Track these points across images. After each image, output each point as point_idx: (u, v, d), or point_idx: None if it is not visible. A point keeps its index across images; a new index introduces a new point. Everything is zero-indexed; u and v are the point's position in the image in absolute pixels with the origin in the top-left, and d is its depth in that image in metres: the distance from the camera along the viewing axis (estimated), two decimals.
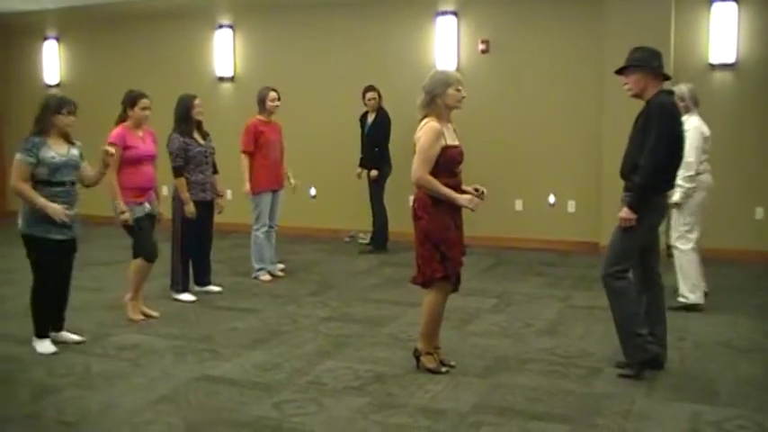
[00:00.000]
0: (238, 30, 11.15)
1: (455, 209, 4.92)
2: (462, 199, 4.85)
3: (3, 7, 11.97)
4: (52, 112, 5.36)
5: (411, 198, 5.03)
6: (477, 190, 4.93)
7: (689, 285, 6.68)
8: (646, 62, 4.86)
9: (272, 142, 7.76)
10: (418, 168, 4.82)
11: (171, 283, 7.09)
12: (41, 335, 5.54)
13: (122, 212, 6.10)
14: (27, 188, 5.25)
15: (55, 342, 5.62)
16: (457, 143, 4.96)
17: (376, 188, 9.31)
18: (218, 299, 7.08)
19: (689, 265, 6.65)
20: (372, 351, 5.50)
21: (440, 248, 4.84)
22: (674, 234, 6.69)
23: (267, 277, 7.86)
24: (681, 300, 6.66)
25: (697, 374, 4.97)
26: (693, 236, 6.65)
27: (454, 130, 5.02)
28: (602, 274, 4.93)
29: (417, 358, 5.09)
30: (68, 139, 5.48)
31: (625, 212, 4.80)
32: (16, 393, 4.72)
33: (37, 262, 5.42)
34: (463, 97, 4.93)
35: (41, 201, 5.23)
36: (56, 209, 5.23)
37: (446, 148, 4.84)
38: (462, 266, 5.04)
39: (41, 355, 5.41)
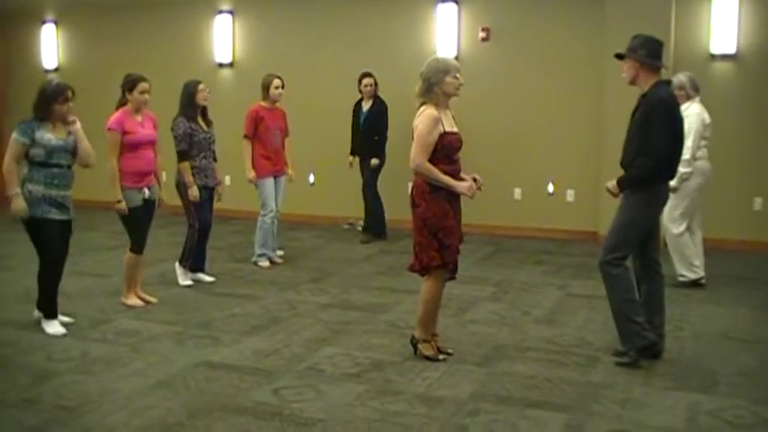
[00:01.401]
0: (238, 15, 11.10)
1: (453, 196, 4.91)
2: (461, 186, 4.85)
3: None
4: (49, 100, 5.42)
5: (410, 185, 5.03)
6: (475, 180, 4.93)
7: (685, 265, 6.89)
8: (633, 50, 4.87)
9: (270, 129, 7.78)
10: (417, 155, 4.81)
11: (181, 258, 7.10)
12: (51, 316, 5.61)
13: (118, 201, 6.10)
14: (12, 171, 5.37)
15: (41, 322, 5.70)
16: (455, 130, 4.95)
17: (372, 177, 9.28)
18: (218, 285, 7.08)
19: (682, 246, 6.87)
20: (371, 338, 5.51)
21: (437, 236, 4.84)
22: (666, 217, 6.75)
23: (266, 263, 7.88)
24: (681, 279, 6.90)
25: (696, 364, 4.98)
26: (686, 219, 6.80)
27: (453, 117, 5.01)
28: (599, 261, 4.95)
29: (414, 346, 5.10)
30: (67, 124, 5.52)
31: (612, 185, 4.91)
32: (15, 378, 4.72)
33: (41, 243, 5.50)
34: (461, 84, 4.92)
35: (15, 190, 5.33)
36: (17, 208, 5.32)
37: (444, 135, 4.82)
38: (460, 254, 5.04)
39: (51, 336, 5.47)
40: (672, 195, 6.65)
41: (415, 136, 4.86)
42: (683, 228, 6.83)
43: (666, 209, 6.75)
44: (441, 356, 5.04)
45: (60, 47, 12.50)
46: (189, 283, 7.05)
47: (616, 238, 4.90)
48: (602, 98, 8.92)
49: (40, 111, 5.42)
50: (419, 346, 5.08)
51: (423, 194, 4.86)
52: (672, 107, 4.85)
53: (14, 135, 5.37)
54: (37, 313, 5.77)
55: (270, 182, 7.79)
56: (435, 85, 4.84)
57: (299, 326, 5.83)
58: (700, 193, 6.89)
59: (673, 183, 6.51)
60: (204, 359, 5.06)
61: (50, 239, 5.47)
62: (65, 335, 5.50)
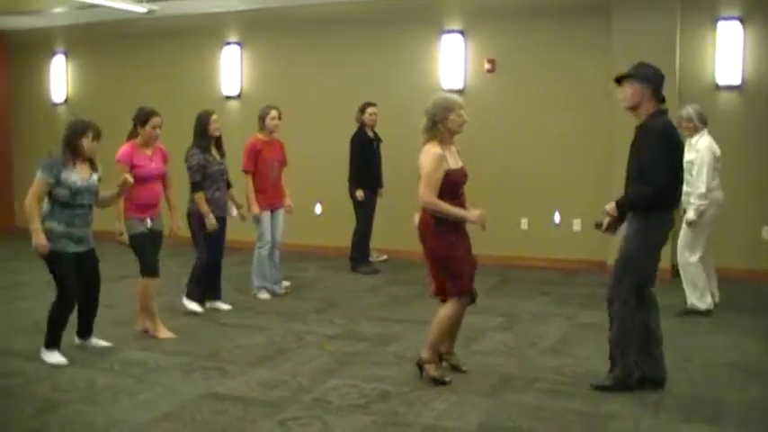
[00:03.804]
0: (245, 47, 11.20)
1: (459, 227, 5.03)
2: (471, 214, 4.99)
3: (11, 24, 12.06)
4: (78, 136, 5.44)
5: (416, 216, 5.10)
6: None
7: (697, 294, 6.91)
8: (648, 79, 4.85)
9: (269, 162, 7.78)
10: (425, 193, 4.94)
11: (186, 292, 7.13)
12: (53, 346, 5.59)
13: (121, 234, 6.15)
14: (34, 207, 5.35)
15: (83, 348, 5.76)
16: (460, 165, 5.08)
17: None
18: (224, 316, 7.08)
19: (696, 275, 6.88)
20: (378, 369, 5.49)
21: (447, 266, 4.97)
22: (680, 245, 6.80)
23: (266, 295, 7.84)
24: (690, 307, 6.91)
25: (703, 395, 4.94)
26: (700, 248, 6.82)
27: (457, 152, 5.14)
28: (608, 296, 4.96)
29: (420, 368, 5.15)
30: (93, 165, 5.58)
31: (611, 207, 4.92)
32: (21, 408, 4.72)
33: (59, 276, 5.51)
34: (465, 122, 5.06)
35: (36, 225, 5.33)
36: (39, 242, 5.32)
37: (449, 172, 4.97)
38: (473, 280, 5.13)
39: (52, 366, 5.45)
40: (689, 228, 6.71)
41: (421, 174, 4.98)
42: (695, 258, 6.85)
43: (681, 238, 6.80)
44: (447, 378, 5.10)
45: (69, 79, 12.61)
46: (200, 309, 7.08)
47: (626, 273, 4.89)
48: (608, 127, 8.94)
49: (68, 145, 5.42)
50: (426, 366, 5.14)
51: (429, 227, 5.00)
52: (667, 134, 4.82)
53: (39, 173, 5.38)
54: (81, 342, 5.84)
55: (267, 215, 7.78)
56: (439, 123, 4.99)
57: (306, 357, 5.82)
58: (712, 223, 6.92)
59: (690, 216, 6.64)
60: (211, 391, 5.05)
61: (66, 272, 5.49)
62: (66, 365, 5.49)
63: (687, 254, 6.85)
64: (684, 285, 6.94)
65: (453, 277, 4.97)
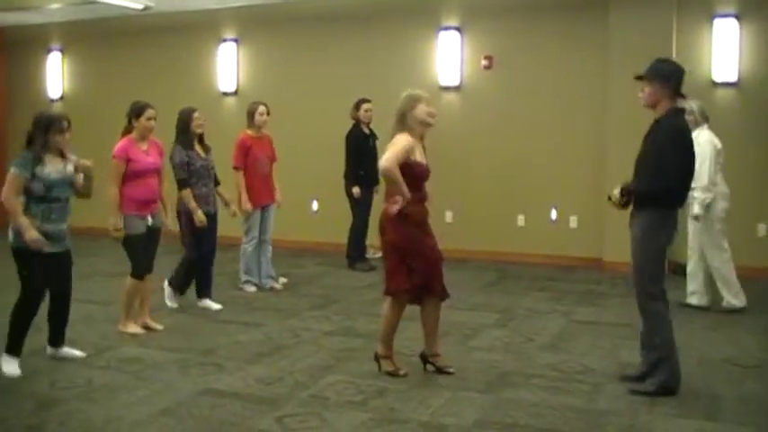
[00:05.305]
0: (242, 44, 11.19)
1: (422, 222, 5.10)
2: (406, 198, 4.95)
3: (7, 20, 12.04)
4: (43, 130, 5.25)
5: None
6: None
7: (733, 292, 6.99)
8: (668, 77, 4.81)
9: (259, 159, 7.80)
10: (388, 159, 4.95)
11: (168, 281, 7.16)
12: (13, 352, 5.31)
13: (117, 230, 6.07)
14: (16, 204, 5.17)
15: (55, 358, 5.59)
16: (424, 162, 5.13)
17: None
18: (221, 312, 7.08)
19: (728, 272, 6.97)
20: (374, 365, 5.47)
21: (406, 260, 5.03)
22: (708, 246, 6.91)
23: (252, 288, 7.90)
24: (725, 305, 7.01)
25: (701, 391, 4.95)
26: (726, 244, 6.93)
27: (423, 149, 5.19)
28: (637, 300, 4.90)
29: (378, 361, 5.30)
30: (63, 156, 5.37)
31: (617, 193, 4.83)
32: (19, 405, 4.71)
33: (27, 276, 5.29)
34: (432, 112, 5.11)
35: (24, 223, 5.12)
36: (33, 237, 5.11)
37: (414, 165, 5.01)
38: (436, 275, 5.16)
39: (6, 375, 5.21)
40: (702, 224, 6.74)
41: (389, 146, 5.03)
42: (726, 254, 6.94)
43: (706, 238, 6.81)
44: (401, 372, 5.20)
45: (65, 75, 12.60)
46: (175, 305, 7.12)
47: (646, 271, 4.84)
48: (605, 124, 8.97)
49: (35, 141, 5.24)
50: (381, 361, 5.26)
51: (390, 221, 5.05)
52: (685, 136, 4.80)
53: (13, 169, 5.20)
54: (53, 351, 5.66)
55: (257, 211, 7.80)
56: (407, 114, 5.04)
57: (303, 353, 5.83)
58: (726, 217, 6.99)
59: (696, 210, 6.65)
60: (208, 387, 5.05)
61: (36, 273, 5.26)
62: (20, 376, 5.22)
63: (714, 252, 6.91)
64: (718, 285, 7.02)
65: (409, 271, 5.03)
